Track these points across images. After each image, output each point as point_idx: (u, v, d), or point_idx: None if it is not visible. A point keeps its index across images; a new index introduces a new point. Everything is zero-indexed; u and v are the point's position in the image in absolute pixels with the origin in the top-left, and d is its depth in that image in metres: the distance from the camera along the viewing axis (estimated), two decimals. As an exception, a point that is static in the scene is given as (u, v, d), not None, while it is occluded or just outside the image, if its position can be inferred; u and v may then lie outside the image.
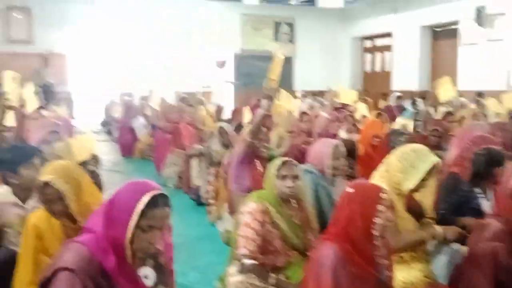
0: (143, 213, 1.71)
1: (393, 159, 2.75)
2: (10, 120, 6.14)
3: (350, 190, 2.13)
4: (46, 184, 2.27)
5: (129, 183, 1.84)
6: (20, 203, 2.73)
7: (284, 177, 2.72)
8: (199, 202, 4.99)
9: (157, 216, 1.74)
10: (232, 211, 4.00)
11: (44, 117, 5.02)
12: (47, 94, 10.78)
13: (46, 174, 2.29)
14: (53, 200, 2.28)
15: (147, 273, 1.90)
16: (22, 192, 2.75)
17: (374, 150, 4.59)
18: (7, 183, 2.77)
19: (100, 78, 14.12)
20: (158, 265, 1.96)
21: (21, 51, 12.16)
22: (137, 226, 1.71)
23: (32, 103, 3.91)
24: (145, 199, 1.72)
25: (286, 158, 2.83)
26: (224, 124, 5.03)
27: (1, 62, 11.73)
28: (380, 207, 2.04)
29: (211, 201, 4.53)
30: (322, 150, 3.39)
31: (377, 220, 2.02)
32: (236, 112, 7.65)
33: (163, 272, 1.99)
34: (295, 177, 2.75)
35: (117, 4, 12.86)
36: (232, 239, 3.21)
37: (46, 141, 3.44)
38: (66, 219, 2.31)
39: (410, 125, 5.39)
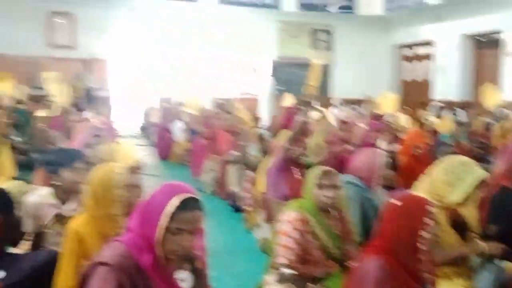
0: (172, 216, 1.71)
1: (438, 171, 2.67)
2: (41, 112, 6.31)
3: (397, 202, 2.08)
4: None
5: (165, 184, 1.85)
6: (60, 205, 2.78)
7: (324, 187, 2.68)
8: (236, 208, 4.98)
9: (186, 219, 1.73)
10: (269, 218, 3.97)
11: (88, 121, 5.13)
12: (88, 98, 11.10)
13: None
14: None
15: (184, 277, 1.90)
16: (64, 195, 2.80)
17: (416, 161, 4.48)
18: (51, 185, 2.83)
19: (139, 83, 14.40)
20: (195, 269, 1.96)
21: (64, 56, 12.52)
22: (167, 228, 1.71)
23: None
24: (175, 201, 1.71)
25: (326, 168, 2.79)
26: (263, 131, 5.02)
27: (44, 67, 12.17)
28: (426, 220, 1.98)
29: (248, 208, 4.51)
30: (370, 160, 3.31)
31: (423, 234, 1.96)
32: (274, 119, 7.66)
33: (200, 277, 1.98)
34: (335, 187, 2.71)
35: (157, 11, 13.09)
36: (269, 248, 3.19)
37: (89, 145, 3.50)
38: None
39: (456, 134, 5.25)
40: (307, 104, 3.70)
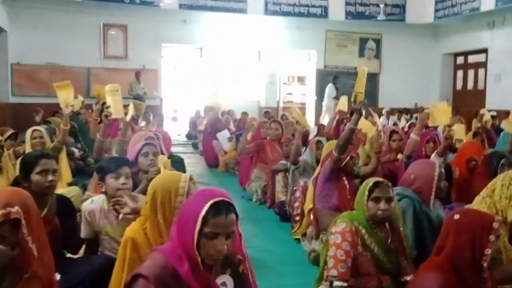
0: (205, 220, 1.73)
1: (499, 184, 2.56)
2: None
3: (458, 217, 2.00)
4: None
5: (199, 190, 1.89)
6: (112, 211, 2.84)
7: (377, 199, 2.62)
8: (284, 218, 4.95)
9: (219, 223, 1.74)
10: (318, 229, 3.92)
11: (142, 129, 5.25)
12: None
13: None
14: None
15: (225, 281, 1.90)
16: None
17: (471, 173, 4.31)
18: (103, 191, 2.91)
19: (187, 92, 14.69)
20: (237, 273, 1.96)
21: (117, 67, 12.95)
22: (201, 233, 1.73)
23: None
24: (207, 206, 1.74)
25: (380, 179, 2.73)
26: (322, 138, 4.98)
27: (97, 77, 12.64)
28: (491, 238, 1.89)
29: (297, 218, 4.47)
30: (425, 172, 3.20)
31: (487, 252, 1.87)
32: (320, 128, 7.57)
33: (243, 281, 1.98)
34: (389, 199, 2.65)
35: (207, 22, 13.33)
36: (319, 259, 3.14)
37: (145, 153, 3.57)
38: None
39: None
40: (357, 112, 3.61)
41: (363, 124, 5.21)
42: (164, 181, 2.37)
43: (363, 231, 2.64)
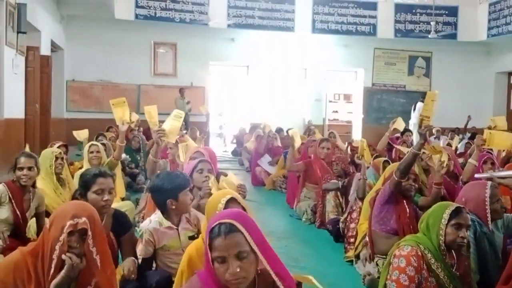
0: (210, 246, 1.72)
1: None
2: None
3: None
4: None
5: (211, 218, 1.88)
6: (173, 226, 2.93)
7: (459, 226, 2.53)
8: (337, 237, 4.83)
9: (219, 246, 1.70)
10: (373, 252, 3.80)
11: (191, 146, 5.30)
12: (185, 123, 11.55)
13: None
14: None
15: None
16: (174, 216, 2.95)
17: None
18: (162, 209, 2.95)
19: (233, 109, 14.81)
20: None
21: (166, 84, 13.23)
22: (212, 259, 1.72)
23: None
24: (208, 232, 1.74)
25: (458, 205, 2.63)
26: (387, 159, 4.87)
27: (147, 94, 12.95)
28: None
29: (352, 239, 4.36)
30: (477, 193, 3.10)
31: None
32: (379, 146, 7.42)
33: None
34: (468, 227, 2.57)
35: (256, 40, 13.45)
36: (375, 283, 3.03)
37: (200, 170, 3.59)
38: None
39: None
40: (422, 137, 3.49)
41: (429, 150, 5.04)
42: (210, 201, 2.49)
43: (429, 255, 2.53)
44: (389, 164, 4.70)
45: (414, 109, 12.30)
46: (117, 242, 2.85)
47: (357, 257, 4.13)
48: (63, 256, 2.06)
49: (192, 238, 2.89)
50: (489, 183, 3.15)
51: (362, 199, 4.48)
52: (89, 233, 2.10)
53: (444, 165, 3.92)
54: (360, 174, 4.64)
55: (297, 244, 4.83)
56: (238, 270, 1.67)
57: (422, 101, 12.15)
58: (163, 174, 3.08)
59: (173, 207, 2.89)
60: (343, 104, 16.52)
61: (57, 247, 2.05)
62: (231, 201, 2.45)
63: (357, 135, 14.22)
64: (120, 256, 2.92)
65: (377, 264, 3.72)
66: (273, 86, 13.86)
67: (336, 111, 16.29)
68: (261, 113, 13.15)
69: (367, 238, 3.92)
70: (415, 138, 10.22)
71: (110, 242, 2.72)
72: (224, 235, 1.70)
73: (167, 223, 2.91)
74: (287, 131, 8.27)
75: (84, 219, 2.09)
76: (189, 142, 6.04)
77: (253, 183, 8.40)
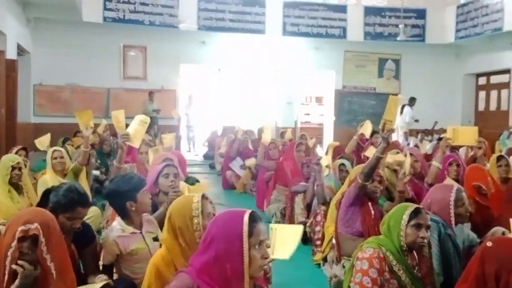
0: (250, 232, 1.76)
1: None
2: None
3: (490, 244, 1.89)
4: None
5: (221, 214, 1.89)
6: (136, 230, 2.87)
7: (419, 226, 2.54)
8: (304, 241, 4.82)
9: (261, 229, 1.80)
10: (340, 254, 3.81)
11: (158, 151, 5.24)
12: (152, 127, 11.47)
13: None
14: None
15: None
16: (134, 220, 2.89)
17: (488, 198, 4.17)
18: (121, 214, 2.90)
19: (204, 112, 14.73)
20: None
21: (136, 87, 13.09)
22: (250, 246, 1.75)
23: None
24: (246, 218, 1.76)
25: (417, 205, 2.66)
26: (344, 161, 4.88)
27: (117, 97, 12.80)
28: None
29: (318, 242, 4.37)
30: (443, 196, 3.13)
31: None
32: (338, 150, 7.49)
33: None
34: (428, 227, 2.59)
35: (226, 43, 13.42)
36: (341, 285, 3.04)
37: (166, 174, 3.54)
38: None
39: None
40: (385, 141, 3.52)
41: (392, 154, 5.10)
42: (178, 205, 2.38)
43: (391, 257, 2.54)
44: (345, 167, 4.77)
45: (401, 113, 12.49)
46: (78, 254, 2.76)
47: (325, 259, 4.14)
48: (13, 266, 2.02)
49: (156, 239, 2.86)
50: (456, 186, 3.17)
51: (323, 204, 4.53)
52: (42, 239, 2.05)
53: (407, 173, 4.02)
54: (316, 180, 4.66)
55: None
56: (268, 255, 1.82)
57: (409, 105, 12.41)
58: (117, 178, 3.03)
59: (133, 208, 2.83)
60: (315, 107, 16.64)
61: (9, 253, 2.02)
62: (205, 199, 2.41)
63: (328, 137, 14.33)
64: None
65: (343, 266, 3.72)
66: (244, 88, 13.87)
67: (308, 114, 16.39)
68: (233, 116, 13.14)
69: (334, 241, 3.94)
70: (401, 139, 10.41)
71: (71, 254, 2.61)
72: (261, 220, 1.84)
73: (129, 228, 2.85)
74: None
75: (36, 225, 2.04)
76: (160, 147, 5.98)
77: (223, 187, 8.38)
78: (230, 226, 1.78)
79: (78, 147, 7.11)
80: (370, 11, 13.42)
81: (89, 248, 2.80)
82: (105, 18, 11.96)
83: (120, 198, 2.83)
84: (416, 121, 12.35)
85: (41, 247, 2.05)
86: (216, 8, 12.64)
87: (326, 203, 4.49)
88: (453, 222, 3.07)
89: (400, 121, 12.25)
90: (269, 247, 1.87)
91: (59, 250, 2.17)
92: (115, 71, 13.12)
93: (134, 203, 2.83)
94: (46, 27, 12.14)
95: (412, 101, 12.59)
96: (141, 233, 2.87)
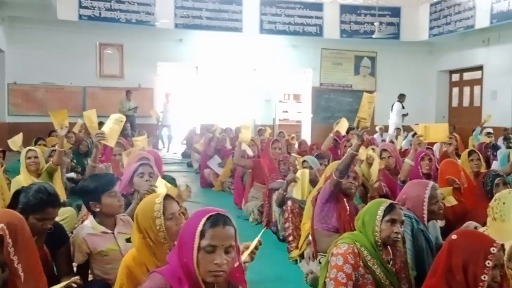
0: (203, 233, 1.75)
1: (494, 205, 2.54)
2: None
3: (455, 237, 1.95)
4: None
5: (195, 211, 1.89)
6: (108, 230, 2.83)
7: (393, 222, 2.58)
8: (281, 238, 4.86)
9: (216, 234, 1.75)
10: (316, 250, 3.86)
11: (134, 149, 5.20)
12: (131, 125, 11.38)
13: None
14: None
15: None
16: (106, 219, 2.85)
17: (461, 193, 4.27)
18: (93, 212, 2.87)
19: (182, 111, 14.64)
20: None
21: (112, 86, 12.95)
22: (200, 247, 1.74)
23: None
24: (204, 219, 1.76)
25: (391, 201, 2.69)
26: (308, 158, 4.92)
27: (93, 96, 12.66)
28: (488, 263, 1.83)
29: (290, 238, 4.42)
30: (417, 193, 3.17)
31: (484, 278, 1.81)
32: (312, 147, 7.57)
33: None
34: (402, 223, 2.63)
35: (203, 41, 13.37)
36: (317, 281, 3.07)
37: (140, 173, 3.52)
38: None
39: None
40: (359, 138, 3.57)
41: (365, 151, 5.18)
42: (142, 206, 2.39)
43: (365, 252, 2.58)
44: (308, 163, 4.83)
45: (392, 110, 12.63)
46: (52, 256, 2.72)
47: (302, 256, 4.18)
48: None
49: (129, 240, 2.77)
50: (431, 184, 3.22)
51: (280, 206, 4.67)
52: (8, 240, 1.99)
53: (375, 180, 4.13)
54: (281, 189, 4.70)
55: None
56: (225, 262, 1.74)
57: (399, 101, 12.55)
58: (90, 176, 3.01)
59: (97, 209, 2.79)
60: (293, 104, 16.73)
61: None
62: (168, 199, 2.41)
63: (306, 134, 14.41)
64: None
65: (320, 262, 3.76)
66: (222, 87, 13.84)
67: (286, 111, 16.47)
68: (211, 114, 13.11)
69: (310, 237, 3.98)
70: (390, 136, 10.51)
71: (44, 255, 2.59)
72: (223, 225, 1.77)
73: (100, 227, 2.80)
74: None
75: (1, 225, 1.98)
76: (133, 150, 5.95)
77: (201, 185, 8.37)
78: (190, 223, 1.80)
79: (53, 146, 7.01)
80: (346, 9, 13.53)
81: (62, 249, 2.75)
82: (80, 16, 11.79)
83: (86, 197, 2.82)
84: (405, 115, 12.44)
85: (7, 249, 1.99)
86: (193, 5, 12.58)
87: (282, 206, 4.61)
88: (425, 218, 3.12)
89: (391, 118, 12.42)
90: (227, 253, 1.79)
91: (28, 252, 2.11)
92: (91, 70, 12.96)
93: (98, 204, 2.78)
94: (21, 25, 11.93)
95: (401, 97, 12.74)
96: (113, 233, 2.82)
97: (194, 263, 1.74)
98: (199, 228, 1.75)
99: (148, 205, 2.35)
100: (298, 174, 4.52)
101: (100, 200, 2.78)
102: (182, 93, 15.31)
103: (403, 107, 12.67)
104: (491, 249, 1.87)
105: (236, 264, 1.88)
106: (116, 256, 2.75)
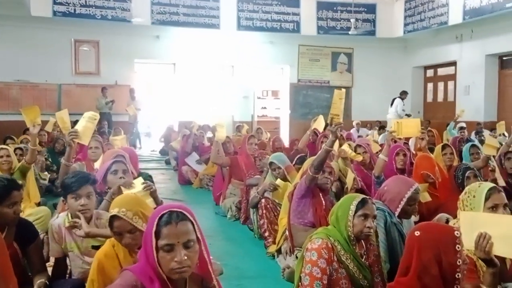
0: (158, 234, 1.75)
1: (464, 197, 2.61)
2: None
3: (419, 233, 1.98)
4: (115, 216, 2.31)
5: (154, 210, 1.91)
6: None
7: (365, 216, 2.60)
8: (257, 237, 4.89)
9: (170, 233, 1.75)
10: (293, 245, 3.89)
11: (110, 147, 5.16)
12: (107, 123, 11.27)
13: (116, 207, 2.34)
14: (122, 233, 2.35)
15: None
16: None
17: (435, 187, 4.35)
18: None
19: (160, 108, 14.56)
20: None
21: (89, 83, 12.79)
22: (158, 247, 1.75)
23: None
24: (156, 220, 1.76)
25: (364, 196, 2.70)
26: (275, 159, 4.88)
27: (69, 93, 12.48)
28: (458, 247, 1.89)
29: (266, 234, 4.46)
30: (399, 190, 3.16)
31: (459, 262, 1.86)
32: (294, 143, 7.59)
33: None
34: (375, 217, 2.65)
35: (181, 38, 13.29)
36: (294, 277, 3.10)
37: (114, 171, 3.49)
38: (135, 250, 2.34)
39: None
40: (333, 135, 3.61)
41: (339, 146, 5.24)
42: (117, 202, 2.44)
43: (339, 247, 2.61)
44: (275, 164, 4.80)
45: (392, 105, 12.69)
46: (22, 253, 2.69)
47: (279, 251, 4.21)
48: None
49: (96, 247, 2.71)
50: (415, 186, 3.19)
51: (253, 208, 4.73)
52: None
53: (350, 188, 4.20)
54: (257, 192, 4.73)
55: (221, 242, 4.85)
56: (185, 258, 1.72)
57: (400, 97, 12.62)
58: (72, 173, 3.03)
59: (66, 207, 2.83)
60: (271, 100, 16.76)
61: None
62: None
63: (284, 130, 14.47)
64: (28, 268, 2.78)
65: (296, 257, 3.80)
66: (200, 83, 13.78)
67: (265, 107, 16.50)
68: (189, 111, 13.05)
69: (287, 232, 4.01)
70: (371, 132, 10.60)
71: (14, 252, 2.57)
72: (175, 222, 1.75)
73: (69, 223, 2.79)
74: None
75: None
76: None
77: (180, 182, 8.34)
78: (149, 224, 1.81)
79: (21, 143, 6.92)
80: (322, 5, 13.61)
81: (32, 245, 2.73)
82: (54, 13, 11.59)
83: (61, 193, 2.91)
84: (408, 115, 12.33)
85: None
86: (169, 2, 12.49)
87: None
88: (397, 215, 3.15)
89: (390, 113, 12.49)
90: (187, 247, 1.78)
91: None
92: (67, 67, 12.75)
93: (67, 202, 2.84)
94: (-8, 22, 11.68)
95: (403, 94, 12.83)
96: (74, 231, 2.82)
97: (156, 263, 1.75)
98: (154, 228, 1.75)
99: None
100: (279, 182, 4.57)
101: (67, 200, 2.81)
102: (160, 90, 15.22)
103: (403, 104, 12.71)
104: (455, 233, 1.93)
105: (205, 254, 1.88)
106: (78, 256, 2.79)
